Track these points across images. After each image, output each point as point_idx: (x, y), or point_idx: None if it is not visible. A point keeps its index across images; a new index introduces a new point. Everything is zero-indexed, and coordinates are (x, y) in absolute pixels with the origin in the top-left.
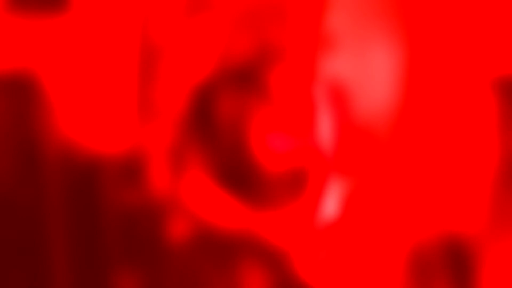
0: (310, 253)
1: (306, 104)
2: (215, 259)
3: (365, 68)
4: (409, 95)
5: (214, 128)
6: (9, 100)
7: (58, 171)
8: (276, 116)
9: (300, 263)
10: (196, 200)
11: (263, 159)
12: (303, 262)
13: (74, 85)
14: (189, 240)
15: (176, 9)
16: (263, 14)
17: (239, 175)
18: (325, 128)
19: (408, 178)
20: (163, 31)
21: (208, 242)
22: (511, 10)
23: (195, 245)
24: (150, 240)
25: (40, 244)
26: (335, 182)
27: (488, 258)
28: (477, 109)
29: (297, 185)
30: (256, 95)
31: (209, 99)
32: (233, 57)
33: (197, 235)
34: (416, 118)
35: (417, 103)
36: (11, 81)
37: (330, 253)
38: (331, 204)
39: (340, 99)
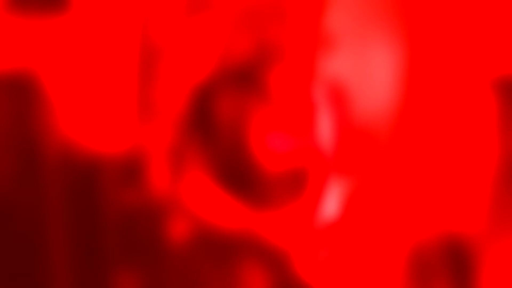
0: (310, 253)
1: (305, 104)
2: (215, 259)
3: (365, 68)
4: (409, 95)
5: (214, 128)
6: (9, 100)
7: (58, 171)
8: (276, 116)
9: (300, 263)
10: (196, 200)
11: (263, 159)
12: (303, 262)
13: (74, 85)
14: (189, 240)
15: (176, 9)
16: (262, 14)
17: (239, 175)
18: (325, 128)
19: (408, 178)
20: (163, 31)
21: (208, 242)
22: (511, 10)
23: (195, 245)
24: (150, 240)
25: (40, 244)
26: (335, 182)
27: (488, 258)
28: (477, 109)
29: (297, 185)
30: (256, 95)
31: (209, 99)
32: (233, 57)
33: (197, 235)
34: (416, 118)
35: (417, 103)
36: (11, 81)
37: (330, 253)
38: (331, 204)
39: (339, 99)
